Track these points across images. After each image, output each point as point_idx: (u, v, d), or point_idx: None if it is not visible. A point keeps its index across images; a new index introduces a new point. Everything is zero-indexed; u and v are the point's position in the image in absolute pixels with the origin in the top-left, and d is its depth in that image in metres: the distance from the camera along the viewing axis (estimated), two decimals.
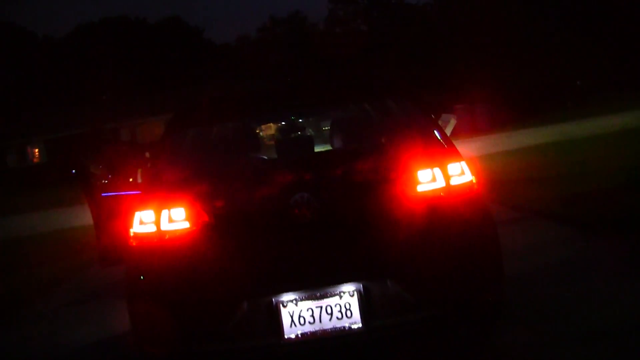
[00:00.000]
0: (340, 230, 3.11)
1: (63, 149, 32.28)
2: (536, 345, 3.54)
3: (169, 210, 3.15)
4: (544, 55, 31.70)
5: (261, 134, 4.88)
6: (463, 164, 3.25)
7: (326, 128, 4.72)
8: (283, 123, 4.64)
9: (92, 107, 37.59)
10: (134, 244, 3.24)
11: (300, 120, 4.91)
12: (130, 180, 6.43)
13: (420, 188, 3.15)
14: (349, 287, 3.00)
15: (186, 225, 3.13)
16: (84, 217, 12.70)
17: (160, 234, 3.15)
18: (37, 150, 38.25)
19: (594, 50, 31.07)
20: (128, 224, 3.39)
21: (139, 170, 6.28)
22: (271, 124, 5.17)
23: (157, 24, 53.39)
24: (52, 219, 14.65)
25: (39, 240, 11.67)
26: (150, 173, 3.65)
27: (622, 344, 3.37)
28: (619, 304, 3.97)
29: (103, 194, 6.27)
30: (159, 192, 3.30)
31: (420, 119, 3.62)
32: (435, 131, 3.49)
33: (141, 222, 3.20)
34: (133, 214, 3.26)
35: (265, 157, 4.25)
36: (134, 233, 3.23)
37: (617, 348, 3.32)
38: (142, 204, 3.25)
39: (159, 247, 3.14)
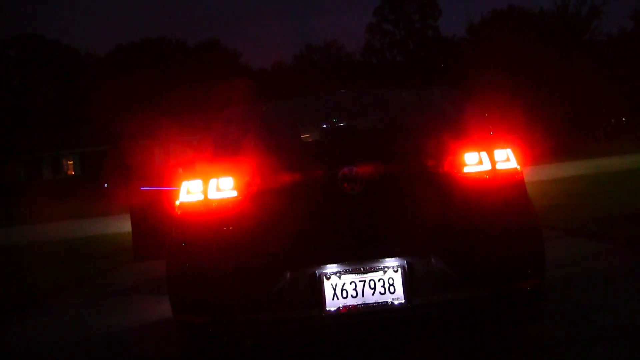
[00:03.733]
0: (386, 205, 3.12)
1: (95, 163, 32.97)
2: (570, 342, 3.53)
3: (217, 179, 3.18)
4: (578, 93, 31.71)
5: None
6: (509, 151, 3.26)
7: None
8: (325, 126, 4.61)
9: (126, 124, 38.31)
10: (179, 213, 3.27)
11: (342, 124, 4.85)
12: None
13: (466, 169, 3.16)
14: (393, 262, 2.99)
15: (234, 194, 3.16)
16: (115, 225, 13.15)
17: (207, 202, 3.17)
18: (71, 162, 39.02)
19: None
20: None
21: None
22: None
23: (195, 47, 54.42)
24: (87, 227, 15.00)
25: (76, 244, 11.89)
26: (199, 148, 3.72)
27: None
28: None
29: (142, 187, 6.39)
30: (208, 162, 3.35)
31: (468, 107, 3.66)
32: (483, 119, 3.52)
33: (188, 192, 3.23)
34: (180, 185, 3.31)
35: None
36: (180, 203, 3.26)
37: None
38: (189, 174, 3.29)
39: (205, 215, 3.17)
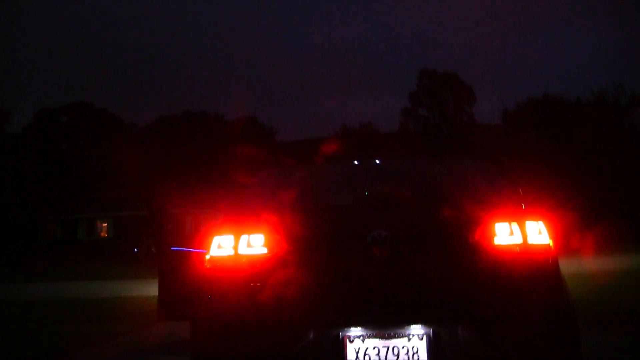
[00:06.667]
0: (414, 272, 3.10)
1: (128, 227, 33.61)
2: None
3: (249, 235, 3.22)
4: (617, 180, 31.18)
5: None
6: (541, 224, 3.23)
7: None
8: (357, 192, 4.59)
9: (158, 192, 39.01)
10: (208, 267, 3.29)
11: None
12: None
13: (497, 241, 3.13)
14: (418, 330, 2.95)
15: (264, 251, 3.19)
16: (141, 289, 13.24)
17: (237, 257, 3.20)
18: (105, 224, 39.85)
19: None
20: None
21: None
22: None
23: (233, 122, 55.55)
24: (113, 288, 15.14)
25: (101, 303, 12.00)
26: (232, 204, 3.77)
27: None
28: None
29: (172, 248, 6.43)
30: (240, 218, 3.39)
31: (500, 179, 3.66)
32: (515, 191, 3.52)
33: (219, 246, 3.26)
34: (211, 239, 3.34)
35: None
36: (210, 257, 3.28)
37: None
38: (221, 229, 3.33)
39: (234, 270, 3.19)
